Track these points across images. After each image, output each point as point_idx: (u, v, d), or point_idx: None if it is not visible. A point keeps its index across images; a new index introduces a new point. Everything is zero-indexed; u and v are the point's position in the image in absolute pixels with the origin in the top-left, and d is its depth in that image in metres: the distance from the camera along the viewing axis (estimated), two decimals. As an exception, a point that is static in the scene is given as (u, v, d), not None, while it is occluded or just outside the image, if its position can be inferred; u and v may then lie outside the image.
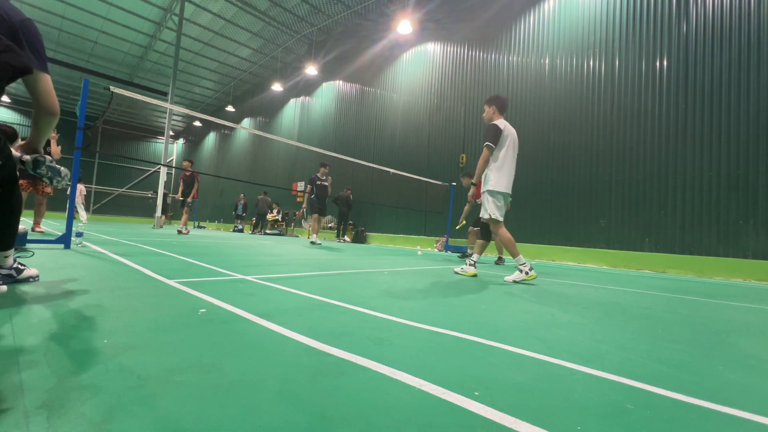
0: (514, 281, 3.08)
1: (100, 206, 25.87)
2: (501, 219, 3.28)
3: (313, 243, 7.68)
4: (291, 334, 1.24)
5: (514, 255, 3.16)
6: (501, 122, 3.35)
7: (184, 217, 8.72)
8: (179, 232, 8.44)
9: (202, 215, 22.01)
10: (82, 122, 3.70)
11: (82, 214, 11.79)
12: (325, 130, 14.11)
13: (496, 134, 3.27)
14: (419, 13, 10.47)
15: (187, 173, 8.68)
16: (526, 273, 3.06)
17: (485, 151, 3.28)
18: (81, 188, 11.61)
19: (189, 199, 8.70)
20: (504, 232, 3.26)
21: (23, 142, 1.69)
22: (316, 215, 7.88)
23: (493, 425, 0.71)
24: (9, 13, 1.49)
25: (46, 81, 1.53)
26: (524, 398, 0.84)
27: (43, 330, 1.13)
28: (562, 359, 1.13)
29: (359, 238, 11.01)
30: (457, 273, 3.52)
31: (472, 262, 3.47)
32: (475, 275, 3.41)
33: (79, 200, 11.50)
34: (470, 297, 2.24)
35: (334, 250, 6.21)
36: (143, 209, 26.34)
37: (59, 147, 5.36)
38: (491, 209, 3.28)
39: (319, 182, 7.91)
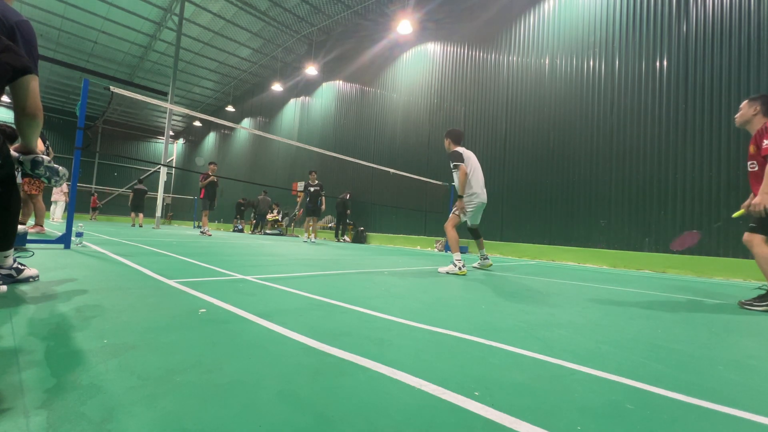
0: (448, 272, 3.62)
1: (99, 206, 25.85)
2: (463, 219, 3.98)
3: (305, 241, 8.78)
4: (291, 334, 1.24)
5: (453, 251, 3.77)
6: (460, 149, 4.02)
7: (205, 219, 9.07)
8: (202, 233, 8.77)
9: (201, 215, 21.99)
10: (82, 122, 3.70)
11: (58, 212, 11.67)
12: (325, 130, 14.11)
13: (460, 157, 3.93)
14: (419, 13, 10.47)
15: (207, 177, 8.93)
16: (459, 268, 3.58)
17: (462, 169, 3.86)
18: (62, 186, 11.53)
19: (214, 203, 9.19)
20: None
21: (17, 145, 1.69)
22: (308, 217, 9.06)
23: (493, 425, 0.71)
24: (6, 14, 1.49)
25: (36, 83, 1.51)
26: (524, 398, 0.84)
27: (43, 330, 1.13)
28: (562, 359, 1.13)
29: (359, 238, 11.01)
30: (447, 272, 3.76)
31: (459, 258, 3.80)
32: (464, 273, 3.72)
33: (62, 198, 11.45)
34: (470, 297, 2.24)
35: (334, 250, 6.21)
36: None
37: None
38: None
39: (310, 188, 8.94)
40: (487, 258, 4.23)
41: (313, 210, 8.90)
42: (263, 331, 1.26)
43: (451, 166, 3.97)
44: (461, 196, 3.90)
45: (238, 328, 1.28)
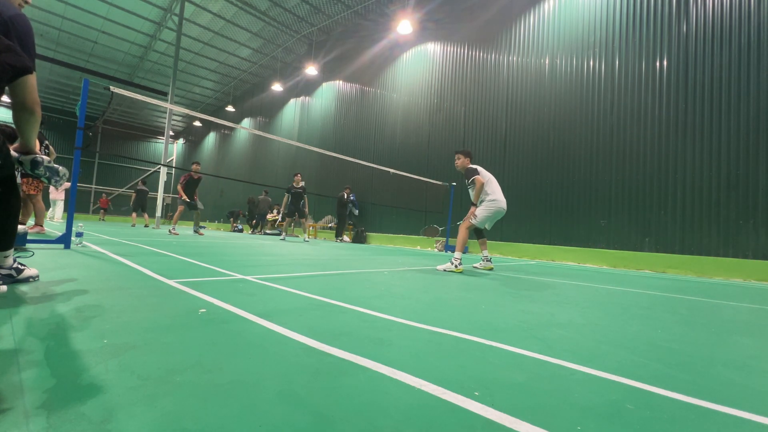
0: (445, 270, 3.79)
1: (99, 206, 25.89)
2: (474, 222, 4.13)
3: (281, 239, 8.92)
4: (291, 334, 1.24)
5: (457, 249, 3.92)
6: (473, 165, 4.22)
7: (176, 216, 8.77)
8: (170, 232, 8.55)
9: (202, 215, 21.99)
10: (82, 122, 3.70)
11: (58, 212, 11.62)
12: (325, 130, 14.11)
13: (475, 171, 4.13)
14: (419, 13, 10.47)
15: (194, 176, 8.76)
16: (456, 266, 3.74)
17: (478, 182, 4.04)
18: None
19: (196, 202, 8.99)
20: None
21: (16, 145, 1.67)
22: (288, 218, 9.24)
23: (493, 425, 0.71)
24: (1, 9, 1.46)
25: (34, 79, 1.49)
26: (524, 398, 0.84)
27: (43, 330, 1.13)
28: (562, 359, 1.13)
29: (359, 238, 11.01)
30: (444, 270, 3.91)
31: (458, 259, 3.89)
32: (461, 271, 3.83)
33: (60, 196, 11.40)
34: (470, 297, 2.24)
35: (334, 250, 6.21)
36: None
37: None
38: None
39: (293, 190, 9.01)
40: (489, 260, 4.29)
41: (293, 211, 9.02)
42: (263, 331, 1.26)
43: (468, 182, 4.16)
44: (475, 204, 4.08)
45: (238, 328, 1.28)
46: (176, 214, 8.77)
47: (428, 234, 4.91)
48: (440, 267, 3.89)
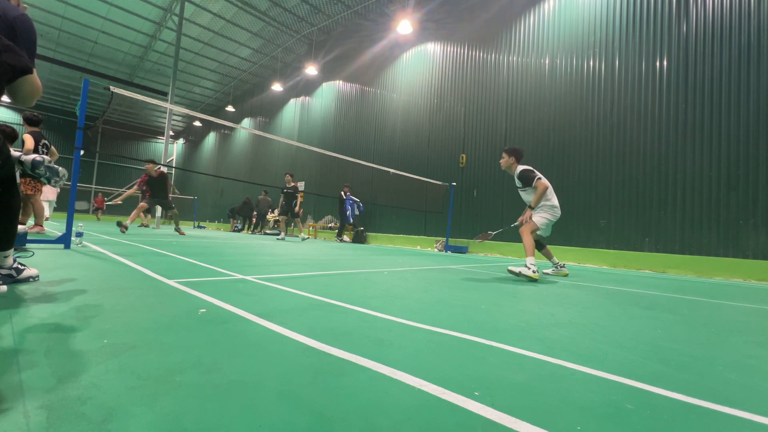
0: (519, 273, 3.43)
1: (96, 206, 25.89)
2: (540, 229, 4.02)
3: (278, 239, 9.06)
4: (291, 334, 1.24)
5: (530, 255, 3.68)
6: (527, 166, 4.01)
7: (135, 213, 7.39)
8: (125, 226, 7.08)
9: (202, 215, 22.02)
10: (82, 122, 3.70)
11: (47, 211, 11.39)
12: (325, 130, 14.11)
13: (533, 172, 3.95)
14: (419, 13, 10.47)
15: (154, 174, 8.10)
16: (533, 272, 3.39)
17: (542, 186, 3.87)
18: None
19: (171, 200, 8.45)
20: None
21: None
22: (284, 217, 9.50)
23: (493, 425, 0.71)
24: (6, 10, 1.48)
25: (34, 79, 1.49)
26: (524, 398, 0.84)
27: (43, 330, 1.13)
28: (562, 359, 1.13)
29: (359, 238, 11.01)
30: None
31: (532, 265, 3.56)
32: (538, 278, 3.50)
33: (53, 196, 11.30)
34: (470, 297, 2.24)
35: (334, 250, 6.21)
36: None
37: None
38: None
39: (285, 190, 9.35)
40: (563, 266, 4.25)
41: (287, 211, 9.42)
42: (263, 331, 1.26)
43: (525, 183, 3.93)
44: (532, 208, 3.94)
45: (238, 328, 1.28)
46: (135, 210, 7.39)
47: (482, 239, 4.62)
48: (514, 268, 3.50)
